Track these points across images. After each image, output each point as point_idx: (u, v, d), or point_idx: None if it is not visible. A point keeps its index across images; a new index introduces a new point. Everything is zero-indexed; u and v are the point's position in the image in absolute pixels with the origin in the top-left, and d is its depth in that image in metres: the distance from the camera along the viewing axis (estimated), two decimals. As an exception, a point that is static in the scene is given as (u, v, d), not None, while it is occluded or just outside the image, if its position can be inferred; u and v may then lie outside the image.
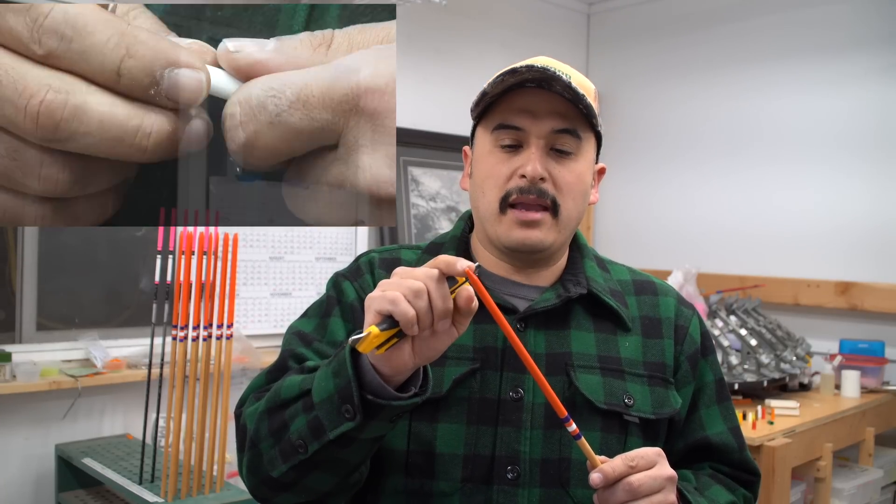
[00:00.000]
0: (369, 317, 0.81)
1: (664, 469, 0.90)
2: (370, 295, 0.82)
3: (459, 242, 1.11)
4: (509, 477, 0.98)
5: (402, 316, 0.79)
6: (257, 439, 0.94)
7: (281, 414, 0.91)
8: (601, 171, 1.13)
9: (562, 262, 1.10)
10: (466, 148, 1.12)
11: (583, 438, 0.88)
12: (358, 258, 1.14)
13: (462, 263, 0.81)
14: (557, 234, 1.03)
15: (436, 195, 3.65)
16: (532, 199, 1.00)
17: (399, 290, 0.79)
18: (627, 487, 0.87)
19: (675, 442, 1.10)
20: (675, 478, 0.91)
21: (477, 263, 0.87)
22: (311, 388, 0.88)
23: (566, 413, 0.87)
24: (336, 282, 1.11)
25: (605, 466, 0.88)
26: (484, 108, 1.06)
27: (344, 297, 1.09)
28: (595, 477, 0.88)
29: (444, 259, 0.82)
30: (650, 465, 0.89)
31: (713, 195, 3.79)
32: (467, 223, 1.14)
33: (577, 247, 1.13)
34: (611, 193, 4.16)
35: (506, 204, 1.02)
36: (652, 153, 4.03)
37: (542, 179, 1.00)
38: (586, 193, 1.06)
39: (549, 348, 1.03)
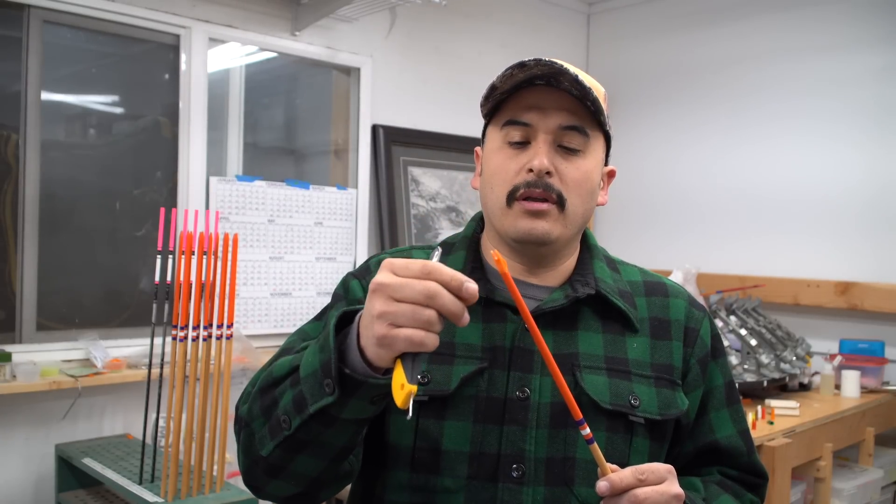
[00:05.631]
0: (388, 354, 0.78)
1: (672, 486, 0.90)
2: (372, 324, 0.78)
3: (470, 243, 1.12)
4: (514, 475, 0.98)
5: (433, 348, 0.77)
6: (250, 419, 0.95)
7: (272, 392, 0.92)
8: (611, 174, 1.14)
9: (571, 262, 1.11)
10: (478, 148, 1.13)
11: (595, 444, 0.88)
12: (369, 259, 1.15)
13: (469, 284, 0.78)
14: (563, 228, 1.03)
15: (436, 195, 3.65)
16: (539, 192, 1.01)
17: (416, 326, 0.77)
18: (633, 499, 0.86)
19: (685, 445, 1.10)
20: (683, 496, 0.91)
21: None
22: (299, 365, 0.89)
23: (581, 416, 0.87)
24: (344, 280, 1.13)
25: (613, 476, 0.88)
26: (494, 107, 1.07)
27: (350, 294, 1.10)
28: (602, 485, 0.87)
29: (449, 276, 0.78)
30: (659, 480, 0.89)
31: (713, 194, 3.79)
32: (478, 224, 1.15)
33: (587, 247, 1.13)
34: (611, 193, 4.15)
35: (513, 198, 1.02)
36: (651, 153, 4.03)
37: (549, 174, 1.01)
38: (593, 192, 1.07)
39: (556, 348, 1.03)
